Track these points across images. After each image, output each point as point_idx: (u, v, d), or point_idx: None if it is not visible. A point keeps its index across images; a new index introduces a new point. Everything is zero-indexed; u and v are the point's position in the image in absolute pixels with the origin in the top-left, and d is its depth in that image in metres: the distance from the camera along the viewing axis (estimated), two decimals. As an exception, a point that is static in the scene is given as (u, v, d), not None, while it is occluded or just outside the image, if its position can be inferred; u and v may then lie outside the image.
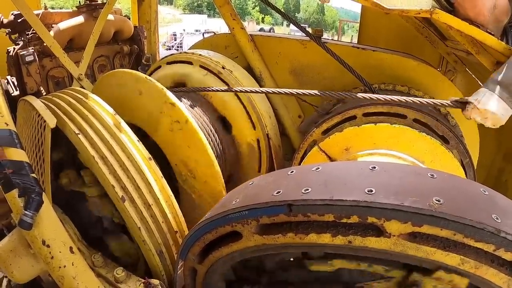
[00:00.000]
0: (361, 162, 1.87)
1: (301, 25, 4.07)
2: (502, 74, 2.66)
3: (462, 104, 2.72)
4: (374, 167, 1.55)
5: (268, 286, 1.89)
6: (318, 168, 1.65)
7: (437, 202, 1.34)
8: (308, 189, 1.48)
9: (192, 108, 3.45)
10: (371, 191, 1.39)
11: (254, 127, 3.79)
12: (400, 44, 4.77)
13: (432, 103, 2.83)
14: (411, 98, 2.79)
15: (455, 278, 1.45)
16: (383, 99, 2.84)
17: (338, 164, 2.08)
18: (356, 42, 5.67)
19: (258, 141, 3.85)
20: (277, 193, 1.54)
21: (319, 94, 3.13)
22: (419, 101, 2.79)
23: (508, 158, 4.65)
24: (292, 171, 1.72)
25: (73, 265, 2.09)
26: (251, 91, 3.49)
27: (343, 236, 1.43)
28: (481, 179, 4.59)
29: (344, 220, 1.40)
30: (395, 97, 2.82)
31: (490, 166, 4.82)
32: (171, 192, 2.59)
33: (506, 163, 4.67)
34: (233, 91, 3.59)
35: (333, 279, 1.75)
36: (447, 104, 2.80)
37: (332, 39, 6.22)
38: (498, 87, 2.63)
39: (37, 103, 2.63)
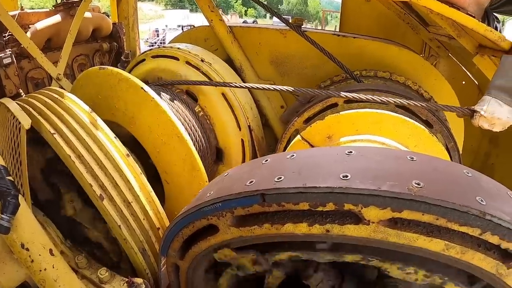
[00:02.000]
0: (338, 148, 1.84)
1: (285, 16, 4.05)
2: (501, 78, 2.71)
3: (470, 112, 2.78)
4: (351, 152, 1.51)
5: None
6: (293, 155, 1.61)
7: (416, 185, 1.30)
8: (281, 178, 1.43)
9: (173, 102, 3.40)
10: (346, 176, 1.34)
11: (240, 128, 3.77)
12: (382, 32, 4.75)
13: (440, 108, 2.86)
14: (413, 102, 2.80)
15: None
16: (379, 100, 2.83)
17: (314, 150, 2.04)
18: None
19: (242, 141, 3.83)
20: (250, 183, 1.50)
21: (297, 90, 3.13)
22: (425, 105, 2.82)
23: (494, 141, 4.67)
24: (267, 160, 1.68)
25: (53, 267, 2.06)
26: (232, 86, 3.46)
27: (320, 225, 1.39)
28: (468, 163, 4.59)
29: (320, 208, 1.36)
30: (397, 100, 2.82)
31: (477, 150, 4.83)
32: (151, 188, 2.54)
33: (492, 146, 4.69)
34: (213, 85, 3.56)
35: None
36: (456, 111, 2.85)
37: (313, 28, 6.18)
38: (500, 93, 2.69)
39: (12, 105, 2.58)
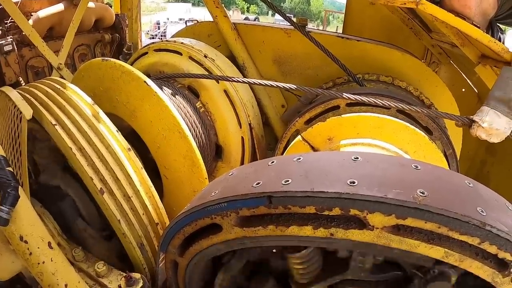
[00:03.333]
0: (344, 153, 1.84)
1: (287, 15, 4.05)
2: (500, 90, 2.74)
3: (469, 122, 2.81)
4: (357, 158, 1.52)
5: None
6: (300, 158, 1.61)
7: (421, 194, 1.32)
8: (288, 181, 1.44)
9: (174, 96, 3.40)
10: (354, 182, 1.35)
11: (240, 126, 3.77)
12: (385, 35, 4.76)
13: (440, 115, 2.88)
14: (414, 107, 2.82)
15: None
16: (381, 104, 2.83)
17: (320, 154, 2.04)
18: (341, 33, 5.65)
19: (242, 139, 3.82)
20: (256, 185, 1.50)
21: (299, 88, 3.15)
22: (426, 111, 2.84)
23: (490, 150, 4.69)
24: (273, 162, 1.68)
25: (52, 260, 2.04)
26: (233, 80, 3.46)
27: (325, 228, 1.39)
28: (463, 171, 4.62)
29: (326, 213, 1.37)
30: (399, 104, 2.84)
31: (473, 158, 4.86)
32: (151, 183, 2.55)
33: (488, 155, 4.72)
34: (213, 78, 3.56)
35: None
36: (455, 120, 2.88)
37: (317, 29, 6.17)
38: (498, 104, 2.72)
39: (13, 94, 2.56)
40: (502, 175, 4.48)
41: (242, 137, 3.81)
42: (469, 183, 1.50)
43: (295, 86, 3.12)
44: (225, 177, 1.81)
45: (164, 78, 3.62)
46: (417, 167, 1.50)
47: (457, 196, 1.40)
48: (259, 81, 3.34)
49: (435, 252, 1.35)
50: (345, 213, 1.35)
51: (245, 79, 3.48)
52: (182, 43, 3.88)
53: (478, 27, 2.80)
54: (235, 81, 3.47)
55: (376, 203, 1.31)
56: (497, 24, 3.59)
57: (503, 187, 4.18)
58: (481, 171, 4.79)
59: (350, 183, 1.35)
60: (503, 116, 2.70)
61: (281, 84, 3.22)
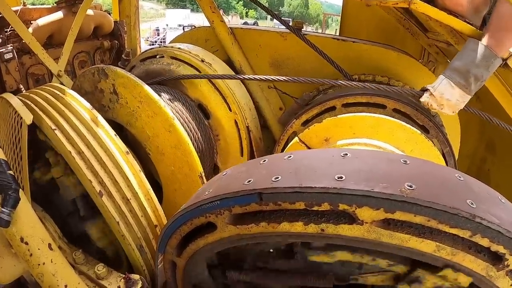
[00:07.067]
0: (334, 150, 1.86)
1: (285, 18, 4.10)
2: (460, 60, 2.71)
3: (421, 92, 2.83)
4: (346, 154, 1.54)
5: (254, 272, 1.84)
6: (290, 156, 1.64)
7: (409, 187, 1.32)
8: (278, 177, 1.46)
9: (172, 102, 3.43)
10: (341, 177, 1.37)
11: (230, 109, 3.76)
12: (382, 36, 4.78)
13: (394, 90, 2.97)
14: (376, 85, 2.95)
15: (460, 277, 1.43)
16: (346, 84, 3.06)
17: (310, 152, 2.06)
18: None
19: (236, 122, 3.81)
20: (248, 182, 1.52)
21: (290, 80, 3.28)
22: (385, 88, 2.95)
23: (490, 147, 4.69)
24: (265, 160, 1.71)
25: (52, 262, 2.08)
26: (227, 77, 3.54)
27: (316, 224, 1.42)
28: (464, 168, 4.63)
29: (316, 208, 1.39)
30: (360, 84, 3.02)
31: (473, 156, 4.85)
32: (150, 186, 2.57)
33: (488, 153, 4.71)
34: (209, 78, 3.62)
35: (329, 270, 1.70)
36: (410, 93, 2.94)
37: (313, 32, 6.20)
38: (455, 75, 2.70)
39: (14, 100, 2.61)
40: (503, 172, 4.48)
41: (238, 129, 3.85)
42: (459, 177, 1.51)
43: (286, 78, 3.25)
44: (219, 176, 1.84)
45: (160, 80, 3.65)
46: (406, 161, 1.52)
47: (446, 189, 1.40)
48: (252, 76, 3.41)
49: (426, 246, 1.36)
50: (334, 208, 1.37)
51: (237, 76, 3.53)
52: (179, 48, 3.91)
53: (471, 24, 2.82)
54: (227, 78, 3.54)
55: (363, 197, 1.32)
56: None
57: (504, 184, 4.18)
58: (481, 169, 4.77)
59: (338, 178, 1.37)
60: (457, 87, 2.68)
61: (271, 77, 3.40)
